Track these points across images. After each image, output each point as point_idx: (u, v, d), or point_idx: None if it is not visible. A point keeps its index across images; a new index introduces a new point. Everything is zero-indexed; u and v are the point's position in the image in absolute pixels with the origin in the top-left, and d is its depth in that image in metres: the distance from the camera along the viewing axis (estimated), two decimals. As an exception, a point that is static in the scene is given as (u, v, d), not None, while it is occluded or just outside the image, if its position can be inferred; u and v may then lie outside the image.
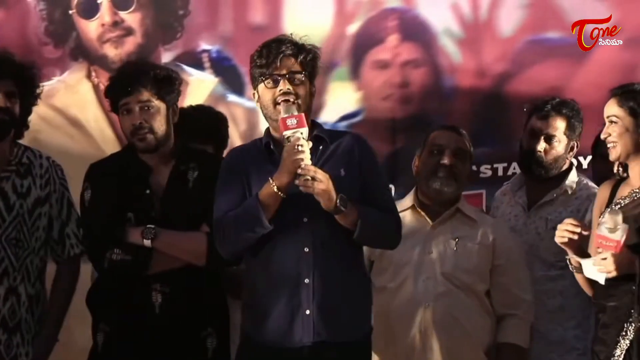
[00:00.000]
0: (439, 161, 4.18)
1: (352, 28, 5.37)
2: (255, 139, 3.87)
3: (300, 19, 5.25)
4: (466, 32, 5.35)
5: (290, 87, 3.64)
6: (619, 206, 3.73)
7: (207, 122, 4.42)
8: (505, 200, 4.59)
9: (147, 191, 3.92)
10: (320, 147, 3.71)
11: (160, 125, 3.93)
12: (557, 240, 3.73)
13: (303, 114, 3.58)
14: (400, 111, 5.36)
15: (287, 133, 3.53)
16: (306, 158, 3.52)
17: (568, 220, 3.74)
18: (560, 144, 4.41)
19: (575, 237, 3.71)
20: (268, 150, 3.71)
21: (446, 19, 5.35)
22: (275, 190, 3.55)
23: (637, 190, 3.76)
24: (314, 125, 3.74)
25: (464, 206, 4.26)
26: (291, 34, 3.76)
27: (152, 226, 3.85)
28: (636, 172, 3.79)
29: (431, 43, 5.38)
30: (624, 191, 3.80)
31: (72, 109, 5.14)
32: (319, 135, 3.72)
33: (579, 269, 3.79)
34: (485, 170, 5.32)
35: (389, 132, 5.33)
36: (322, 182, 3.52)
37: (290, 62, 3.66)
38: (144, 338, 3.85)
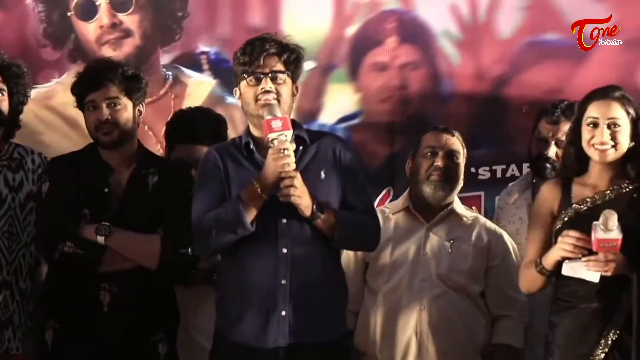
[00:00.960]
0: (432, 163, 4.17)
1: (351, 30, 5.35)
2: (234, 138, 3.88)
3: (299, 21, 5.24)
4: (465, 33, 5.34)
5: (273, 86, 3.65)
6: (585, 207, 3.71)
7: (207, 124, 4.41)
8: (510, 201, 4.58)
9: (106, 189, 3.92)
10: (301, 148, 3.72)
11: (126, 121, 3.94)
12: (562, 253, 3.66)
13: (287, 116, 3.59)
14: (398, 113, 5.35)
15: (272, 136, 3.55)
16: (291, 162, 3.54)
17: (576, 234, 3.64)
18: None
19: (585, 252, 3.64)
20: (248, 150, 3.72)
21: (445, 21, 5.34)
22: (259, 192, 3.57)
23: (607, 192, 3.73)
24: (294, 126, 3.72)
25: (458, 207, 4.25)
26: (276, 33, 3.80)
27: (107, 224, 3.84)
28: (605, 177, 3.75)
29: (430, 45, 5.36)
30: (582, 191, 3.76)
31: (70, 110, 5.08)
32: (300, 136, 3.73)
33: (546, 270, 3.73)
34: (484, 172, 5.31)
35: (387, 134, 5.32)
36: (297, 189, 3.55)
37: (273, 60, 3.68)
38: (94, 337, 3.83)
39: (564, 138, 4.36)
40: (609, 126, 3.70)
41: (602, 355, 3.63)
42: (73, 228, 3.84)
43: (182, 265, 3.93)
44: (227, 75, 5.23)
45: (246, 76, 3.68)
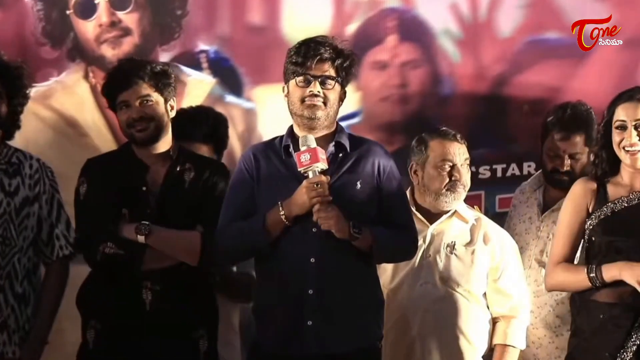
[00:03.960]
0: (450, 177, 4.13)
1: (351, 28, 5.34)
2: (276, 137, 3.86)
3: (299, 20, 5.22)
4: (465, 32, 5.34)
5: (321, 90, 3.66)
6: (622, 205, 3.76)
7: (207, 123, 4.40)
8: (522, 200, 4.58)
9: (144, 188, 3.93)
10: (340, 155, 3.73)
11: (161, 116, 3.96)
12: (633, 283, 3.66)
13: (316, 148, 3.59)
14: (398, 112, 5.34)
15: (302, 169, 3.59)
16: (324, 198, 3.57)
17: None
18: (583, 155, 4.42)
19: None
20: (286, 153, 3.73)
21: (445, 20, 5.34)
22: (284, 219, 3.60)
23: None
24: (337, 130, 3.77)
25: (461, 208, 4.23)
26: (333, 36, 3.80)
27: (147, 222, 3.85)
28: (638, 177, 3.79)
29: (430, 43, 5.36)
30: (617, 191, 3.80)
31: (69, 109, 5.10)
32: (340, 142, 3.74)
33: (600, 283, 3.71)
34: (484, 172, 5.30)
35: (387, 133, 5.31)
36: (329, 218, 3.57)
37: (325, 65, 3.70)
38: (136, 336, 3.85)
39: (576, 150, 4.37)
40: (635, 127, 3.73)
41: (634, 348, 3.66)
42: (113, 228, 3.86)
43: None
44: (226, 74, 5.24)
45: (296, 76, 3.69)
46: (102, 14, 5.10)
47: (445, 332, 4.11)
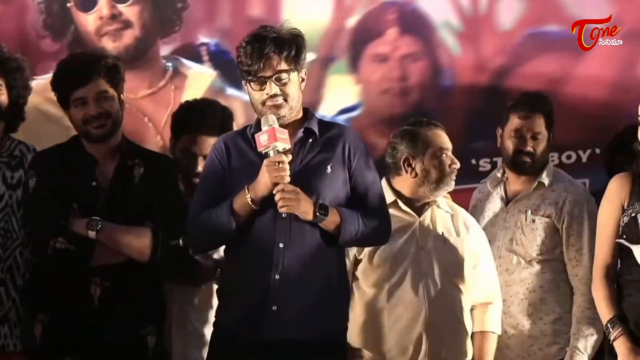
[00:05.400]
0: (449, 165, 4.13)
1: (351, 21, 5.36)
2: (245, 127, 3.80)
3: (299, 12, 5.23)
4: (465, 25, 5.33)
5: (278, 89, 3.60)
6: None
7: (216, 115, 4.41)
8: (482, 198, 4.56)
9: (94, 183, 3.87)
10: (310, 140, 3.69)
11: (117, 112, 3.89)
12: None
13: (273, 128, 3.53)
14: (399, 105, 5.34)
15: (261, 150, 3.54)
16: (286, 176, 3.52)
17: None
18: (544, 138, 4.40)
19: None
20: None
21: (445, 12, 5.33)
22: (249, 202, 3.57)
23: None
24: (306, 116, 3.72)
25: (440, 199, 4.21)
26: (272, 26, 3.67)
27: (98, 218, 3.79)
28: None
29: (430, 36, 5.36)
30: None
31: (70, 102, 5.13)
32: (309, 128, 3.69)
33: None
34: (485, 164, 5.30)
35: (387, 126, 5.31)
36: (291, 200, 3.53)
37: (275, 62, 3.59)
38: (84, 332, 3.80)
39: (538, 130, 4.36)
40: None
41: None
42: (63, 223, 3.81)
43: (173, 256, 3.90)
44: (227, 66, 5.26)
45: (250, 79, 3.62)
46: (102, 6, 5.13)
47: (450, 325, 4.09)
